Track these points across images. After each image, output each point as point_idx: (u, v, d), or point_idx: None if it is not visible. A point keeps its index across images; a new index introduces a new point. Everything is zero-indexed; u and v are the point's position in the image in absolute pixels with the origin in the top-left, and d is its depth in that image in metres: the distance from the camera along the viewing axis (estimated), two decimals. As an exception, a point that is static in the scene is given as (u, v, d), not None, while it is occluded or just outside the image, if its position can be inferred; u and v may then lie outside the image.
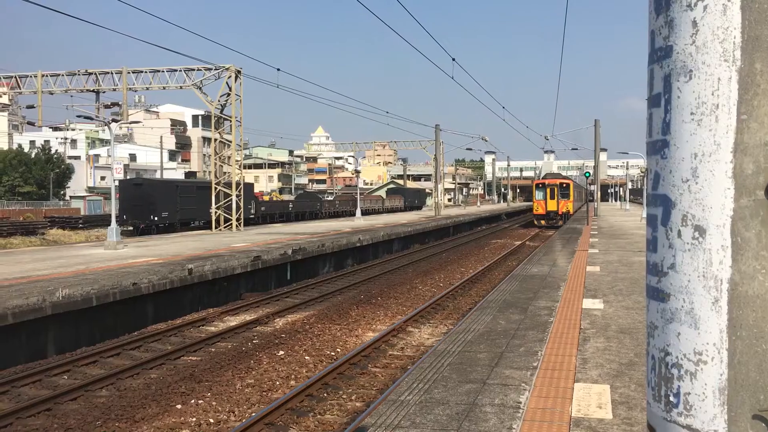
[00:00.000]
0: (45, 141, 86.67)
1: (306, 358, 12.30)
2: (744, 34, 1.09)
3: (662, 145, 1.20)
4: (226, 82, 33.31)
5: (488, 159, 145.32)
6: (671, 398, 1.18)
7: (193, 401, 9.78)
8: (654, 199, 1.23)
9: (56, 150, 78.29)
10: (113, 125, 26.70)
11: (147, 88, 34.82)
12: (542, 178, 56.32)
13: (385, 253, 32.59)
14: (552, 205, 50.90)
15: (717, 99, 1.12)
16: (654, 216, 1.23)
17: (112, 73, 34.22)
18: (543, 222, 51.31)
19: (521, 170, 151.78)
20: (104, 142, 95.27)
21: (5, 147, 78.84)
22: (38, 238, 37.31)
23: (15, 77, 35.62)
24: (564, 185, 51.42)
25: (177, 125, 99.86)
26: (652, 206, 1.24)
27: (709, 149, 1.13)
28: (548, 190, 50.95)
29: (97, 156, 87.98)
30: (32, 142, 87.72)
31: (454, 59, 32.45)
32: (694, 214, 1.14)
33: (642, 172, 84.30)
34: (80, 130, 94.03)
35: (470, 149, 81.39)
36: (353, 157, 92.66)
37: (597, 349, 8.44)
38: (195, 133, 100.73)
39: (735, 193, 1.11)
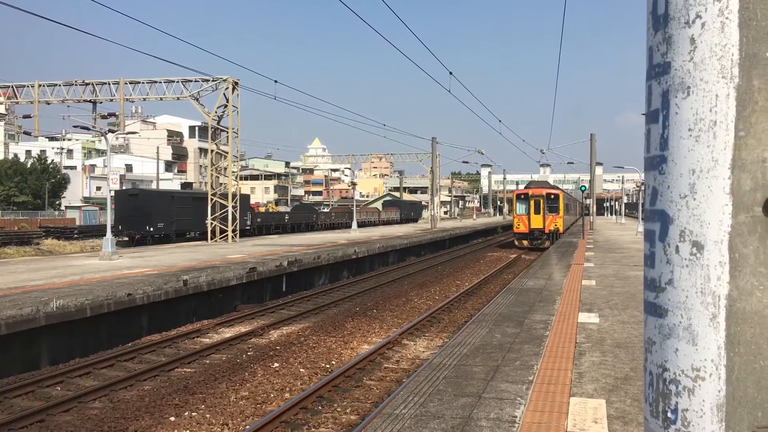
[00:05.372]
0: (41, 151, 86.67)
1: (301, 370, 12.25)
2: (742, 52, 1.10)
3: (660, 160, 1.20)
4: (224, 94, 33.38)
5: (484, 172, 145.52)
6: (669, 414, 1.18)
7: (186, 413, 9.72)
8: (652, 214, 1.23)
9: (52, 160, 78.33)
10: (110, 136, 26.67)
11: (144, 99, 34.86)
12: (525, 188, 45.03)
13: (381, 265, 32.55)
14: (536, 222, 41.36)
15: (715, 115, 1.12)
16: (652, 231, 1.22)
17: (109, 84, 34.27)
18: (525, 242, 41.88)
19: (517, 183, 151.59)
20: (100, 153, 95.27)
21: (1, 156, 78.80)
22: (33, 248, 37.22)
23: (12, 87, 35.66)
24: (552, 196, 41.79)
25: (174, 136, 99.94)
26: (650, 222, 1.24)
27: (707, 165, 1.13)
28: (532, 203, 41.40)
29: (93, 166, 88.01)
30: (28, 152, 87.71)
31: (451, 73, 32.65)
32: (692, 230, 1.14)
33: (638, 186, 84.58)
34: (77, 140, 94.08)
35: (467, 162, 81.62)
36: (350, 169, 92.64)
37: (593, 364, 8.42)
38: (191, 144, 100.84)
39: (733, 210, 1.11)
